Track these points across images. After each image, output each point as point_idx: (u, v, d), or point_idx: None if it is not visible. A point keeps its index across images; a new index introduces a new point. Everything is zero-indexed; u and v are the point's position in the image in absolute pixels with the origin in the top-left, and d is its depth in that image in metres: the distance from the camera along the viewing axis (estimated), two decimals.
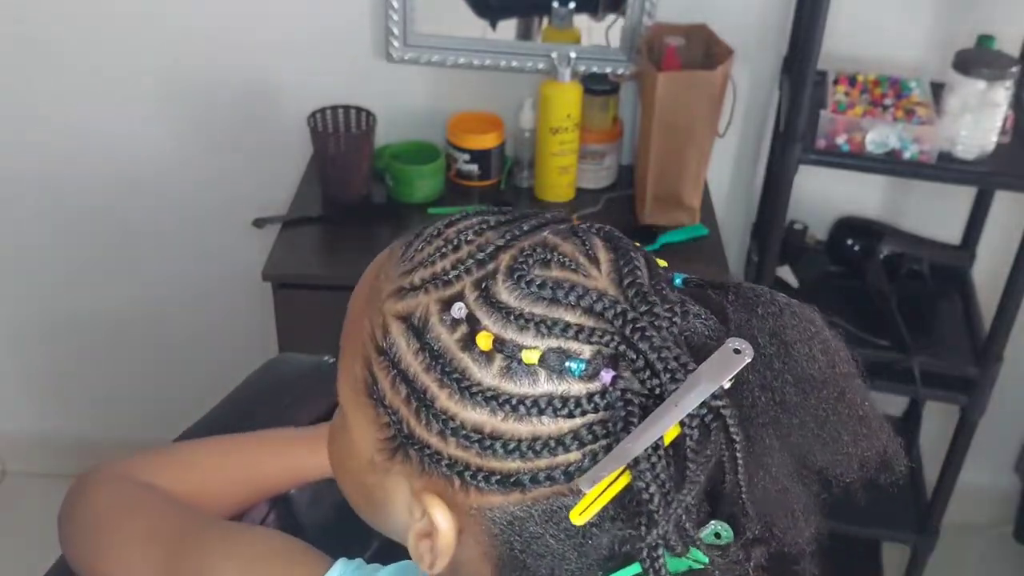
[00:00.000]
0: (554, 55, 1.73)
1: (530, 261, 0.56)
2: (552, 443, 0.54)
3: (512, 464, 0.54)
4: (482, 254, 0.57)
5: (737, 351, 0.53)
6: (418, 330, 0.57)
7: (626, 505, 0.54)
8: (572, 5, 1.83)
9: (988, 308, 1.76)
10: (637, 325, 0.54)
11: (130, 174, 2.00)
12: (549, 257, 0.57)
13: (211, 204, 2.03)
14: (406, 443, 0.58)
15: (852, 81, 1.72)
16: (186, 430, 1.02)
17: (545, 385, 0.54)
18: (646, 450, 0.51)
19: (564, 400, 0.54)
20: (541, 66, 1.83)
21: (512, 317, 0.54)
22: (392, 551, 0.73)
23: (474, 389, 0.54)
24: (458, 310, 0.55)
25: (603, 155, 1.84)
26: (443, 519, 0.58)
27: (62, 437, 2.28)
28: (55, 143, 1.96)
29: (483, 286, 0.56)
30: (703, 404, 0.52)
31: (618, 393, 0.53)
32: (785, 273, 1.88)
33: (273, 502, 0.96)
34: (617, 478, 0.53)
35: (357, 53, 1.87)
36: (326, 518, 1.00)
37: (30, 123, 1.96)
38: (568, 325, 0.54)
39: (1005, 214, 1.89)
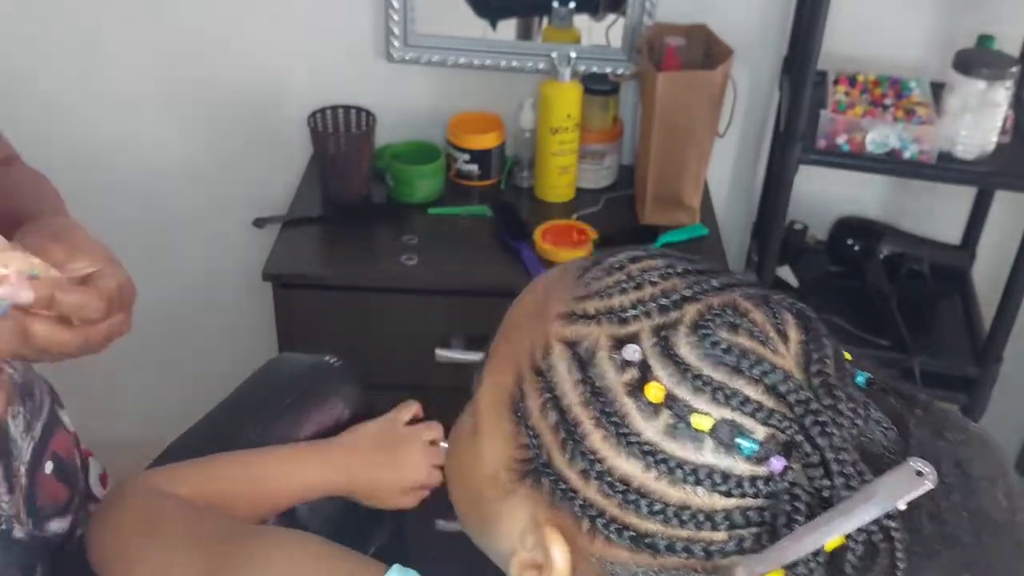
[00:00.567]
0: (554, 55, 1.73)
1: (718, 321, 0.53)
2: (701, 517, 0.51)
3: (652, 526, 0.52)
4: (666, 300, 0.54)
5: (920, 474, 0.49)
6: (583, 361, 0.54)
7: None
8: (572, 5, 1.83)
9: (988, 308, 1.76)
10: (820, 418, 0.51)
11: (130, 174, 2.00)
12: (738, 322, 0.54)
13: (211, 204, 2.03)
14: (542, 471, 0.55)
15: (852, 81, 1.72)
16: (187, 430, 1.02)
17: (710, 456, 0.51)
18: (807, 555, 0.49)
19: (725, 476, 0.50)
20: (541, 66, 1.83)
21: (689, 375, 0.52)
22: (390, 554, 0.73)
23: (632, 438, 0.51)
24: (632, 352, 0.53)
25: (603, 155, 1.84)
26: (562, 558, 0.55)
27: None
28: (55, 143, 1.96)
29: (663, 335, 0.53)
30: (875, 521, 0.49)
31: (785, 485, 0.50)
32: (785, 273, 1.88)
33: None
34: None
35: (357, 53, 1.87)
36: (325, 527, 1.00)
37: (30, 123, 1.96)
38: (747, 399, 0.51)
39: (1005, 214, 1.89)
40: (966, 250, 1.93)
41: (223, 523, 0.84)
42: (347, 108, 1.78)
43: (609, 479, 0.52)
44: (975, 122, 1.58)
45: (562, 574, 0.56)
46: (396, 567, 0.70)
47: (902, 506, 0.50)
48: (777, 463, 0.50)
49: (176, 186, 2.02)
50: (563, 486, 0.54)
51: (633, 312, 0.54)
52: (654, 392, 0.51)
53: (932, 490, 0.51)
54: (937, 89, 1.68)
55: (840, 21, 1.64)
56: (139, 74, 1.92)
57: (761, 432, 0.51)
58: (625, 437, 0.51)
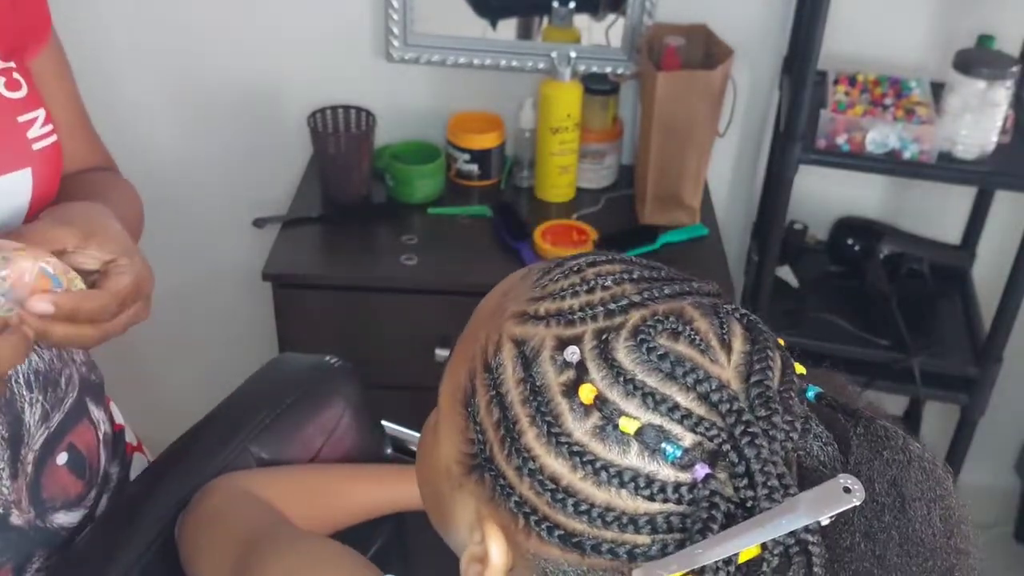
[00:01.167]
0: (554, 55, 1.73)
1: (659, 327, 0.54)
2: (624, 519, 0.51)
3: (578, 525, 0.52)
4: (614, 305, 0.55)
5: (847, 490, 0.49)
6: (527, 360, 0.55)
7: None
8: (572, 5, 1.83)
9: (988, 308, 1.76)
10: (749, 429, 0.51)
11: (130, 174, 1.99)
12: (680, 329, 0.54)
13: (211, 204, 2.03)
14: (484, 466, 0.56)
15: (852, 81, 1.72)
16: (187, 430, 1.02)
17: (635, 459, 0.51)
18: (717, 562, 0.49)
19: (649, 481, 0.51)
20: (541, 66, 1.83)
21: (622, 379, 0.52)
22: (390, 554, 0.73)
23: (562, 438, 0.52)
24: (571, 354, 0.53)
25: (603, 155, 1.84)
26: (498, 554, 0.56)
27: None
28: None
29: (603, 338, 0.53)
30: (792, 534, 0.49)
31: (706, 492, 0.50)
32: (785, 273, 1.88)
33: None
34: None
35: (357, 53, 1.87)
36: None
37: None
38: (676, 406, 0.51)
39: (1005, 214, 1.89)
40: (966, 250, 1.93)
41: (265, 522, 0.84)
42: (347, 108, 1.78)
43: (540, 477, 0.53)
44: (975, 122, 1.58)
45: (498, 570, 0.56)
46: None
47: (825, 521, 0.49)
48: (700, 470, 0.50)
49: (176, 186, 2.02)
50: (502, 482, 0.55)
51: (580, 315, 0.55)
52: (586, 393, 0.52)
53: (865, 508, 0.51)
54: (937, 89, 1.68)
55: (840, 21, 1.64)
56: (139, 74, 1.92)
57: (688, 439, 0.51)
58: (556, 436, 0.52)
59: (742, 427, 0.51)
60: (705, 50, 1.74)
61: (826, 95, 1.67)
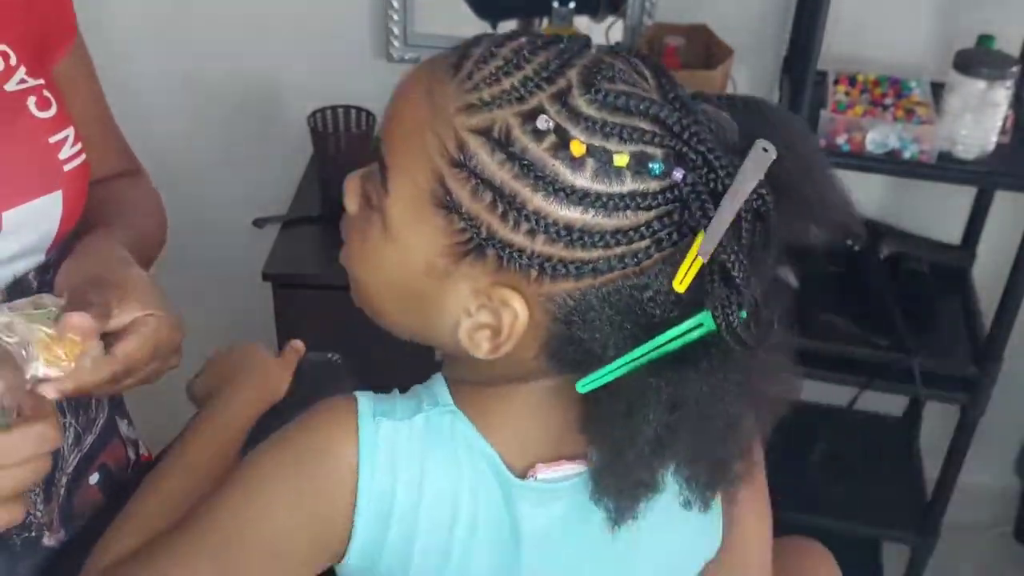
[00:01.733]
0: None
1: (599, 77, 0.63)
2: (632, 233, 0.62)
3: (595, 253, 0.62)
4: (548, 71, 0.63)
5: (765, 150, 0.62)
6: (501, 142, 0.62)
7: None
8: (572, 5, 1.83)
9: (988, 308, 1.76)
10: (692, 131, 0.62)
11: None
12: (612, 73, 0.64)
13: (211, 204, 2.03)
14: (485, 244, 0.63)
15: (852, 81, 1.72)
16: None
17: (631, 184, 0.62)
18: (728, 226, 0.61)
19: (644, 195, 0.62)
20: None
21: (597, 126, 0.61)
22: None
23: (568, 190, 0.61)
24: (544, 122, 0.62)
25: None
26: (522, 307, 0.64)
27: None
28: None
29: (563, 100, 0.62)
30: (753, 193, 0.62)
31: (688, 187, 0.62)
32: (785, 273, 1.87)
33: None
34: (693, 261, 0.62)
35: (357, 53, 1.87)
36: None
37: None
38: (644, 131, 0.62)
39: (1005, 214, 1.89)
40: (966, 250, 1.93)
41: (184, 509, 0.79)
42: (347, 108, 1.78)
43: (555, 229, 0.62)
44: (975, 122, 1.58)
45: (523, 320, 0.65)
46: (364, 397, 0.73)
47: (762, 176, 0.62)
48: (678, 173, 0.62)
49: (176, 185, 2.01)
50: (509, 250, 0.63)
51: (527, 89, 0.62)
52: (576, 148, 0.61)
53: (774, 160, 0.63)
54: (937, 89, 1.68)
55: (840, 21, 1.64)
56: (139, 74, 1.92)
57: (660, 154, 0.62)
58: (562, 191, 0.61)
59: (688, 131, 0.63)
60: (705, 50, 1.74)
61: (826, 95, 1.67)
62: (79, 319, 0.71)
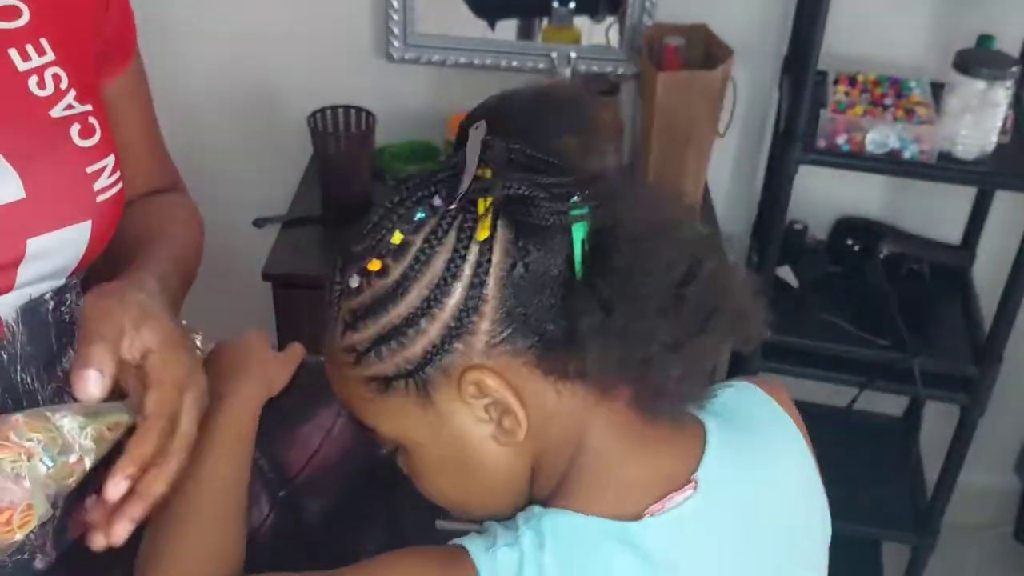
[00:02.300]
0: (554, 55, 1.73)
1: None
2: (460, 252, 0.66)
3: (456, 296, 0.66)
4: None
5: (476, 127, 0.68)
6: (356, 321, 0.71)
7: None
8: (572, 5, 1.83)
9: (988, 308, 1.76)
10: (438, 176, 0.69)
11: None
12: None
13: (211, 204, 2.02)
14: (424, 373, 0.68)
15: (852, 81, 1.72)
16: None
17: (419, 241, 0.67)
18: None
19: (435, 233, 0.66)
20: (541, 66, 1.83)
21: (375, 242, 0.70)
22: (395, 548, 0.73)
23: (400, 290, 0.67)
24: (354, 280, 0.71)
25: (603, 155, 1.84)
26: (488, 373, 0.66)
27: None
28: None
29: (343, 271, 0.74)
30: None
31: (448, 196, 0.67)
32: (785, 273, 1.88)
33: (272, 503, 0.96)
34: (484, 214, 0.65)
35: (357, 53, 1.87)
36: (326, 513, 1.00)
37: None
38: (402, 210, 0.68)
39: (1005, 214, 1.89)
40: (966, 250, 1.93)
41: None
42: (347, 108, 1.78)
43: (416, 324, 0.67)
44: (975, 122, 1.58)
45: (497, 379, 0.67)
46: (472, 545, 0.71)
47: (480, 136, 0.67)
48: (436, 200, 0.67)
49: None
50: (429, 359, 0.67)
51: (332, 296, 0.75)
52: (373, 265, 0.69)
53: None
54: (937, 89, 1.68)
55: (840, 21, 1.64)
56: None
57: (419, 211, 0.68)
58: (396, 295, 0.67)
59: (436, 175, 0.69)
60: (705, 50, 1.74)
61: (826, 95, 1.67)
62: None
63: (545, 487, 0.72)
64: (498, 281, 0.65)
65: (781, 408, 0.81)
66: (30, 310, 0.83)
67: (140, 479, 0.73)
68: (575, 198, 0.65)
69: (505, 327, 0.66)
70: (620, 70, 1.83)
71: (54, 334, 0.86)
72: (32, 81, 0.82)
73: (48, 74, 0.82)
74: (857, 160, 1.61)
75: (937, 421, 2.07)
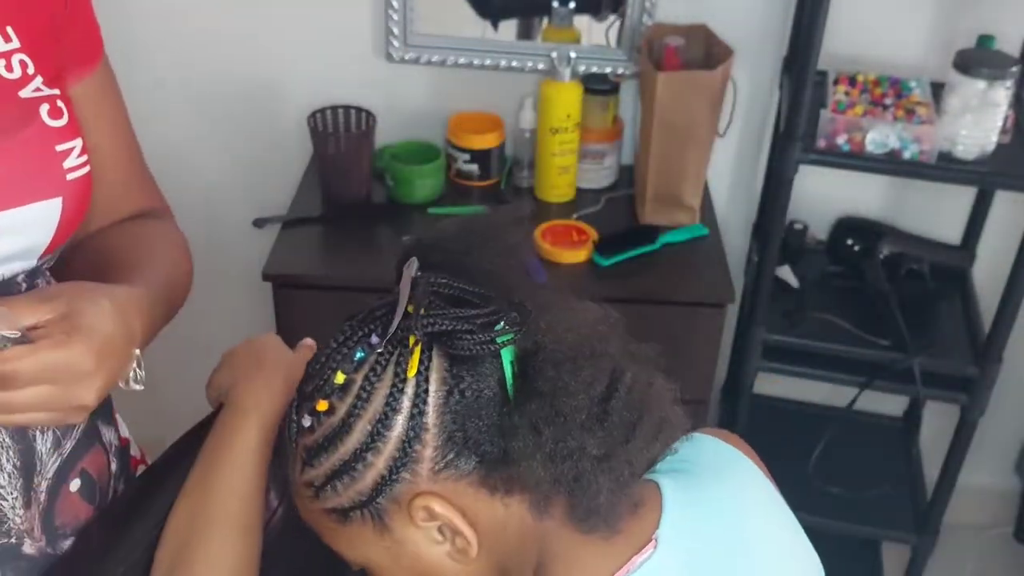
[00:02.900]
0: (554, 55, 1.73)
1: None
2: (396, 392, 0.69)
3: (398, 428, 0.70)
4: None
5: (408, 265, 0.71)
6: (320, 489, 0.73)
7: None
8: (572, 5, 1.83)
9: (988, 308, 1.76)
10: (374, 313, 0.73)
11: None
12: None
13: (211, 204, 2.03)
14: (377, 502, 0.72)
15: (852, 81, 1.72)
16: (188, 430, 1.02)
17: (359, 380, 0.70)
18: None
19: (374, 371, 0.70)
20: (541, 66, 1.83)
21: (323, 384, 0.72)
22: None
23: (346, 428, 0.71)
24: (306, 420, 0.74)
25: (603, 155, 1.84)
26: (432, 497, 0.70)
27: None
28: None
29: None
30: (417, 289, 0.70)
31: (382, 336, 0.70)
32: (785, 273, 1.88)
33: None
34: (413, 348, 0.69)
35: (357, 53, 1.87)
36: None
37: None
38: (342, 352, 0.71)
39: (1005, 214, 1.89)
40: (966, 250, 1.93)
41: None
42: (347, 108, 1.78)
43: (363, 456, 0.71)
44: (975, 122, 1.58)
45: (441, 504, 0.71)
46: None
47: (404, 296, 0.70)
48: (374, 338, 0.71)
49: (176, 186, 2.01)
50: (378, 489, 0.71)
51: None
52: (321, 405, 0.72)
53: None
54: (937, 89, 1.68)
55: (840, 21, 1.64)
56: (138, 75, 1.91)
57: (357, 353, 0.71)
58: (342, 434, 0.71)
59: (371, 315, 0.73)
60: (705, 50, 1.74)
61: (826, 95, 1.67)
62: None
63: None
64: (437, 409, 0.69)
65: (738, 450, 0.85)
66: (2, 291, 0.83)
67: None
68: (500, 325, 0.69)
69: (447, 452, 0.70)
70: (620, 70, 1.83)
71: None
72: None
73: (15, 59, 0.84)
74: (857, 160, 1.61)
75: (937, 421, 2.07)
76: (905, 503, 1.99)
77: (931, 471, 1.96)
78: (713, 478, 0.81)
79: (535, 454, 0.68)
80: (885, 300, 1.79)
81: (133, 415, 1.14)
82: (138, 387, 0.85)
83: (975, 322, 1.82)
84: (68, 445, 0.91)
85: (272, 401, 0.90)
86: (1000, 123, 1.59)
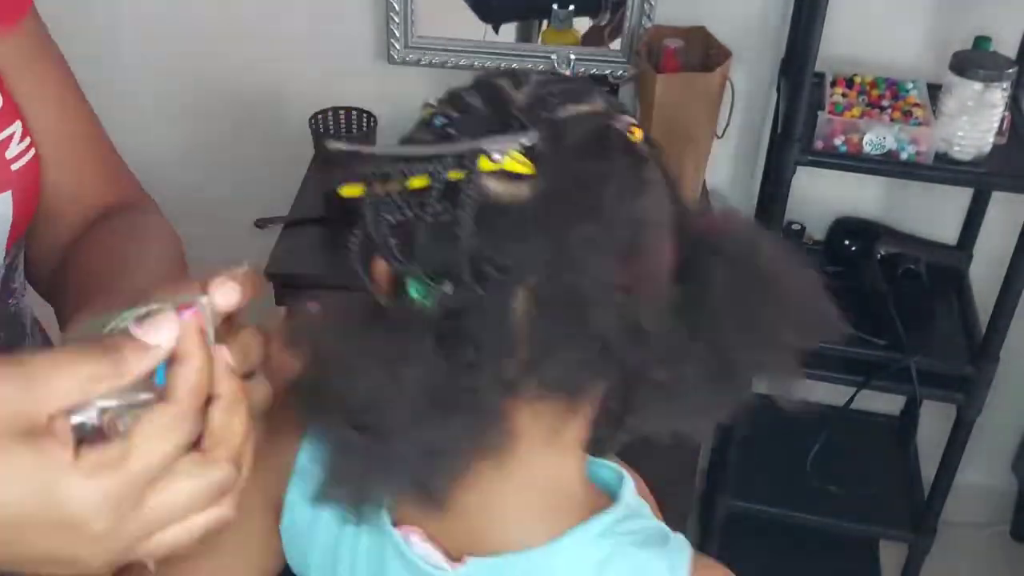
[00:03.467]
0: (554, 57, 1.74)
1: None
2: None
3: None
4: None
5: (527, 144, 0.58)
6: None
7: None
8: (571, 8, 1.84)
9: (984, 308, 1.77)
10: (496, 109, 0.62)
11: None
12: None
13: (213, 205, 2.04)
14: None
15: (850, 83, 1.73)
16: None
17: (417, 135, 0.68)
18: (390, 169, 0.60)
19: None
20: (541, 68, 1.83)
21: (448, 98, 0.68)
22: None
23: None
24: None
25: None
26: None
27: None
28: None
29: None
30: (461, 164, 0.58)
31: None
32: None
33: None
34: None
35: (358, 55, 1.88)
36: None
37: None
38: (462, 102, 0.66)
39: (1001, 215, 1.90)
40: (963, 251, 1.94)
41: None
42: (348, 110, 1.79)
43: None
44: (972, 123, 1.59)
45: None
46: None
47: (498, 157, 0.57)
48: (439, 120, 0.65)
49: (178, 187, 2.02)
50: None
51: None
52: (427, 113, 0.70)
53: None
54: (934, 91, 1.69)
55: (838, 23, 1.65)
56: (139, 76, 1.92)
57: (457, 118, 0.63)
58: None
59: (492, 109, 0.62)
60: (703, 52, 1.75)
61: (823, 97, 1.68)
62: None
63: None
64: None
65: None
66: None
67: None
68: None
69: None
70: (619, 72, 1.84)
71: None
72: None
73: None
74: (854, 161, 1.62)
75: (934, 420, 2.08)
76: (902, 502, 2.00)
77: (928, 470, 1.97)
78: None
79: None
80: (882, 300, 1.80)
81: None
82: None
83: (971, 322, 1.82)
84: None
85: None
86: (996, 124, 1.60)
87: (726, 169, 1.97)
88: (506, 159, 0.57)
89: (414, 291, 0.58)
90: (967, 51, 1.64)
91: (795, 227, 1.92)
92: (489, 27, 1.87)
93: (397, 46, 1.84)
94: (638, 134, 0.62)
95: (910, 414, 2.14)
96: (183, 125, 1.98)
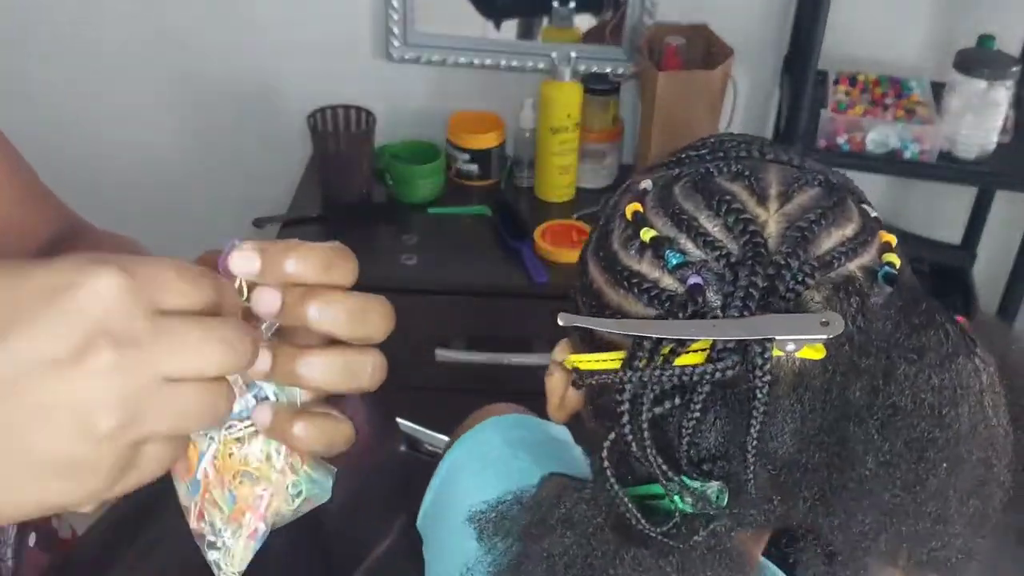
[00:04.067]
0: (554, 55, 1.73)
1: (724, 172, 0.57)
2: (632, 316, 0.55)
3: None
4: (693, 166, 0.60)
5: (824, 323, 0.49)
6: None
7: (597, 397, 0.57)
8: (572, 5, 1.83)
9: (988, 307, 1.76)
10: (757, 260, 0.52)
11: (130, 174, 2.00)
12: (745, 173, 0.56)
13: (211, 203, 2.03)
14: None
15: (853, 81, 1.72)
16: None
17: (645, 265, 0.55)
18: (646, 346, 0.51)
19: (651, 284, 0.54)
20: (541, 65, 1.83)
21: (665, 204, 0.56)
22: (400, 558, 0.73)
23: (603, 250, 0.58)
24: (643, 185, 0.59)
25: (603, 155, 1.84)
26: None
27: None
28: (53, 144, 1.96)
29: (667, 182, 0.58)
30: (745, 351, 0.50)
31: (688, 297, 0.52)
32: None
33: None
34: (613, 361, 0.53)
35: (357, 52, 1.87)
36: (342, 505, 0.99)
37: (31, 124, 1.96)
38: (695, 225, 0.54)
39: (1005, 214, 1.89)
40: (966, 250, 1.93)
41: None
42: (347, 108, 1.78)
43: (586, 281, 0.59)
44: (975, 122, 1.58)
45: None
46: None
47: (791, 347, 0.50)
48: (693, 279, 0.52)
49: (176, 186, 2.02)
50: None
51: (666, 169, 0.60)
52: (631, 211, 0.57)
53: (872, 365, 0.50)
54: (937, 89, 1.68)
55: (840, 21, 1.64)
56: (138, 75, 1.92)
57: (695, 255, 0.53)
58: (601, 248, 0.59)
59: (753, 259, 0.51)
60: (705, 50, 1.74)
61: (826, 95, 1.67)
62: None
63: None
64: None
65: None
66: None
67: None
68: None
69: None
70: (620, 70, 1.83)
71: None
72: None
73: None
74: (858, 160, 1.62)
75: None
76: None
77: None
78: None
79: None
80: None
81: None
82: None
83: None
84: None
85: None
86: (1000, 123, 1.59)
87: None
88: (803, 348, 0.50)
89: (680, 503, 0.52)
90: (971, 49, 1.63)
91: None
92: (489, 24, 1.86)
93: (396, 43, 1.83)
94: (890, 240, 0.58)
95: None
96: (181, 123, 1.97)
